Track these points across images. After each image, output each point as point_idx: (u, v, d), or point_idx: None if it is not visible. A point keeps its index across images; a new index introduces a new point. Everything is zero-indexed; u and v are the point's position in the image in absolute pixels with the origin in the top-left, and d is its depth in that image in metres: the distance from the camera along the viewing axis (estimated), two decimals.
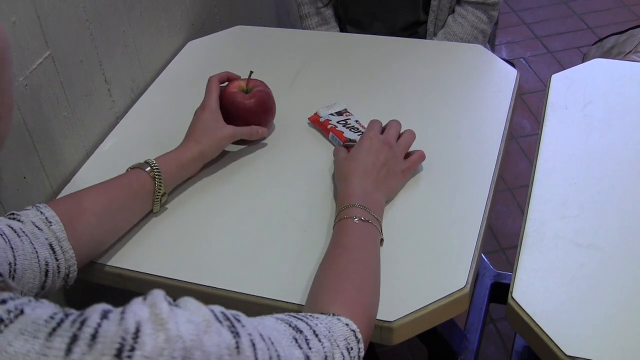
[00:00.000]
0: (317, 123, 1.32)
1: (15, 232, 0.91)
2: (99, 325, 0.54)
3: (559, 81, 1.37)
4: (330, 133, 1.28)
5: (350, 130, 1.27)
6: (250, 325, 0.65)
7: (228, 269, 1.06)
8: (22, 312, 0.55)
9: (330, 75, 1.49)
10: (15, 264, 0.87)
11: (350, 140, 1.25)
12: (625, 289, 0.96)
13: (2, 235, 0.88)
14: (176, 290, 1.05)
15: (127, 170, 1.13)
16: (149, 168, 1.11)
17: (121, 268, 1.09)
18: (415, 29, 1.85)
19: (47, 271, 0.93)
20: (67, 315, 0.56)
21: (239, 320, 0.64)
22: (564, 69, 1.40)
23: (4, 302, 0.56)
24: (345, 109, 1.34)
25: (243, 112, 1.27)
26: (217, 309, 0.62)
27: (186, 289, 1.04)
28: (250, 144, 1.31)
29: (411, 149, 1.19)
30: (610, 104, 1.30)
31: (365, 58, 1.53)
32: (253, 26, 1.71)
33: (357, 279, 0.93)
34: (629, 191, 1.11)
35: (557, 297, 0.95)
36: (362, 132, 1.22)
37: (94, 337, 0.53)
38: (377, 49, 1.57)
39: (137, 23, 1.47)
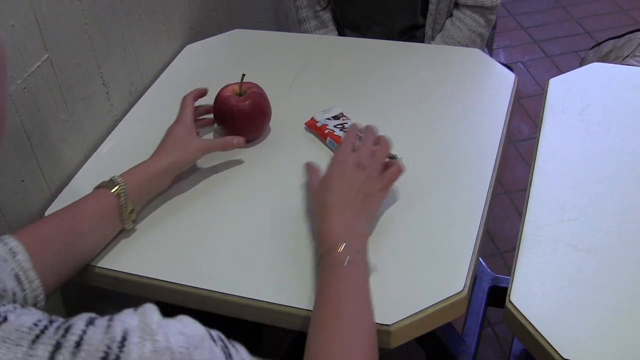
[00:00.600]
0: (314, 128, 1.32)
1: None
2: (84, 332, 0.53)
3: (556, 85, 1.37)
4: (328, 138, 1.28)
5: None
6: (247, 356, 0.64)
7: (225, 272, 1.06)
8: (5, 319, 0.55)
9: (328, 79, 1.49)
10: None
11: None
12: (623, 292, 0.96)
13: None
14: (172, 293, 1.05)
15: (93, 190, 1.10)
16: (115, 187, 1.07)
17: (116, 271, 1.08)
18: (413, 32, 1.86)
19: (14, 301, 0.90)
20: (51, 323, 0.55)
21: (234, 346, 0.63)
22: (562, 73, 1.40)
23: None
24: (342, 113, 1.34)
25: (238, 115, 1.27)
26: (215, 331, 0.61)
27: (182, 291, 1.04)
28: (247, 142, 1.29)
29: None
30: (608, 108, 1.30)
31: (363, 62, 1.53)
32: (251, 30, 1.72)
33: (352, 341, 0.89)
34: (627, 195, 1.11)
35: (554, 301, 0.96)
36: (359, 137, 1.21)
37: (78, 344, 0.52)
38: (374, 53, 1.57)
39: (135, 26, 1.47)
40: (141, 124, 1.41)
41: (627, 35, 2.14)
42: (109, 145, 1.36)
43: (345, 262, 0.94)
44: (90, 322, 0.54)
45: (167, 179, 1.18)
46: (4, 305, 0.57)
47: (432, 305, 0.97)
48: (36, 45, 1.17)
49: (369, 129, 1.15)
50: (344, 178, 1.05)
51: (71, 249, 1.03)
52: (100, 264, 1.09)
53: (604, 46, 2.21)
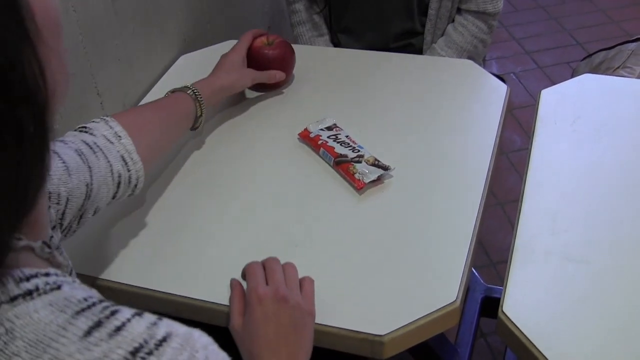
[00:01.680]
0: (308, 139, 1.32)
1: (90, 147, 0.98)
2: (129, 320, 0.54)
3: (548, 96, 1.38)
4: (321, 149, 1.28)
5: (341, 145, 1.27)
6: None
7: (220, 283, 1.06)
8: (59, 287, 0.56)
9: (321, 90, 1.49)
10: (92, 183, 0.95)
11: (341, 155, 1.24)
12: (615, 302, 0.96)
13: (80, 154, 0.94)
14: (169, 304, 1.05)
15: (168, 94, 1.25)
16: (190, 91, 1.24)
17: (108, 280, 1.09)
18: (409, 39, 1.86)
19: (119, 182, 1.02)
20: (100, 302, 0.56)
21: None
22: (554, 84, 1.41)
23: (47, 275, 0.58)
24: (335, 124, 1.34)
25: (270, 61, 1.46)
26: None
27: (178, 302, 1.05)
28: (270, 89, 1.49)
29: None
30: (599, 119, 1.31)
31: (356, 72, 1.54)
32: None
33: None
34: (618, 206, 1.12)
35: (547, 311, 0.96)
36: (353, 147, 1.25)
37: (118, 328, 0.53)
38: (367, 64, 1.57)
39: (130, 37, 1.47)
40: None
41: (617, 47, 2.15)
42: None
43: None
44: (139, 314, 0.55)
45: (222, 97, 1.36)
46: (63, 275, 0.58)
47: (425, 315, 0.97)
48: None
49: (270, 263, 1.01)
50: (268, 318, 0.92)
51: (163, 138, 1.16)
52: (90, 273, 1.10)
53: (595, 57, 2.22)
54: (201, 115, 1.25)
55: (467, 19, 1.77)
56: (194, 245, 1.13)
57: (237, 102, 1.47)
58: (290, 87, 1.51)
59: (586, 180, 1.17)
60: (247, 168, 1.29)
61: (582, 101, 1.36)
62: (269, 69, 1.46)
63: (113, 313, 0.54)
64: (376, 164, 1.21)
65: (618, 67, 2.01)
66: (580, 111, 1.33)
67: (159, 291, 1.06)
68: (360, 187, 1.18)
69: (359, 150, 1.25)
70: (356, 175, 1.19)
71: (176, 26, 1.69)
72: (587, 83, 1.42)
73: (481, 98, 1.42)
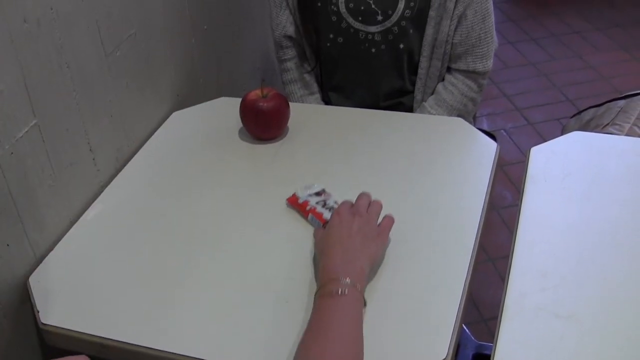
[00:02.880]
0: (296, 204, 1.31)
1: None
2: None
3: (538, 154, 1.39)
4: (310, 214, 1.27)
5: (329, 211, 1.26)
6: None
7: (209, 338, 1.06)
8: None
9: (311, 150, 1.50)
10: None
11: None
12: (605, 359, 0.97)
13: None
14: (135, 356, 1.06)
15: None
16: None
17: (78, 332, 1.09)
18: (399, 98, 1.87)
19: None
20: None
21: None
22: (545, 141, 1.43)
23: None
24: (324, 190, 1.33)
25: (264, 113, 1.50)
26: None
27: (163, 357, 1.04)
28: (266, 140, 1.53)
29: (390, 215, 1.20)
30: (588, 176, 1.32)
31: (346, 131, 1.55)
32: (237, 98, 1.73)
33: None
34: (608, 263, 1.12)
35: None
36: None
37: None
38: (358, 121, 1.59)
39: (123, 93, 1.49)
40: (127, 191, 1.42)
41: (606, 104, 2.17)
42: (94, 211, 1.37)
43: (340, 292, 1.00)
44: None
45: None
46: None
47: None
48: (25, 110, 1.18)
49: (362, 193, 1.22)
50: (342, 223, 1.14)
51: None
52: (62, 325, 1.10)
53: (585, 114, 2.24)
54: None
55: (457, 77, 1.79)
56: (184, 301, 1.13)
57: (227, 159, 1.48)
58: (283, 141, 1.52)
59: (575, 237, 1.18)
60: (235, 232, 1.29)
61: (572, 158, 1.37)
62: (263, 120, 1.51)
63: None
64: None
65: (607, 124, 2.02)
66: (569, 168, 1.34)
67: (148, 347, 1.06)
68: None
69: None
70: None
71: (169, 83, 1.70)
72: (576, 141, 1.43)
73: (471, 155, 1.43)
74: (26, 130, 1.19)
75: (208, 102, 1.72)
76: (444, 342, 1.01)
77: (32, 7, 1.17)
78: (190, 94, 1.82)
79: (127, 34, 1.48)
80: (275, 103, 1.50)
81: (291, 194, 1.33)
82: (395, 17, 1.70)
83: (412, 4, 1.69)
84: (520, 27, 4.13)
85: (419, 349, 1.01)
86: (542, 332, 1.01)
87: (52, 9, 1.22)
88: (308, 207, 1.29)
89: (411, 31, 1.73)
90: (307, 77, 1.91)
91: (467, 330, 1.88)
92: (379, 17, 1.72)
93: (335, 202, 1.28)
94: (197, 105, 1.71)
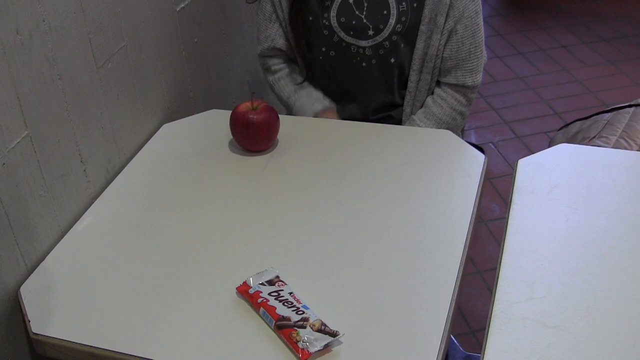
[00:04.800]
0: (247, 295, 1.15)
1: None
2: None
3: (525, 166, 1.40)
4: (261, 308, 1.12)
5: (283, 304, 1.11)
6: None
7: (199, 348, 1.06)
8: None
9: (301, 163, 1.52)
10: None
11: (283, 318, 1.08)
12: None
13: None
14: None
15: None
16: None
17: (70, 341, 1.10)
18: (388, 111, 1.88)
19: None
20: None
21: None
22: (532, 153, 1.44)
23: None
24: (278, 277, 1.17)
25: (254, 125, 1.51)
26: None
27: None
28: (256, 152, 1.54)
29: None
30: (575, 188, 1.33)
31: (335, 143, 1.57)
32: (227, 110, 1.74)
33: None
34: (595, 273, 1.13)
35: None
36: (297, 308, 1.10)
37: None
38: (347, 134, 1.60)
39: (114, 105, 1.49)
40: (118, 202, 1.43)
41: (593, 117, 2.19)
42: (85, 222, 1.37)
43: None
44: None
45: None
46: None
47: None
48: (16, 122, 1.19)
49: None
50: None
51: None
52: (53, 334, 1.10)
53: (572, 127, 2.25)
54: None
55: (447, 91, 1.80)
56: (157, 307, 1.14)
57: (217, 171, 1.49)
58: (272, 154, 1.53)
59: (562, 248, 1.19)
60: (225, 244, 1.29)
61: (559, 170, 1.38)
62: (253, 133, 1.52)
63: None
64: (322, 329, 1.06)
65: (594, 137, 2.04)
66: (556, 180, 1.35)
67: (122, 353, 1.06)
68: (304, 358, 1.03)
69: (303, 312, 1.09)
70: (300, 344, 1.04)
71: (159, 95, 1.71)
72: (563, 153, 1.45)
73: (459, 168, 1.44)
74: (18, 141, 1.20)
75: (198, 115, 1.73)
76: (432, 353, 1.02)
77: (24, 20, 1.18)
78: (181, 106, 1.83)
79: (118, 47, 1.49)
80: (265, 115, 1.52)
81: (242, 282, 1.18)
82: (386, 32, 1.72)
83: (403, 19, 1.70)
84: (508, 41, 4.16)
85: (407, 359, 1.02)
86: (530, 342, 1.02)
87: (44, 21, 1.23)
88: (260, 300, 1.13)
89: (402, 46, 1.75)
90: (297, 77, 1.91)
91: (455, 341, 1.89)
92: (370, 32, 1.73)
93: (290, 294, 1.13)
94: (187, 118, 1.72)
